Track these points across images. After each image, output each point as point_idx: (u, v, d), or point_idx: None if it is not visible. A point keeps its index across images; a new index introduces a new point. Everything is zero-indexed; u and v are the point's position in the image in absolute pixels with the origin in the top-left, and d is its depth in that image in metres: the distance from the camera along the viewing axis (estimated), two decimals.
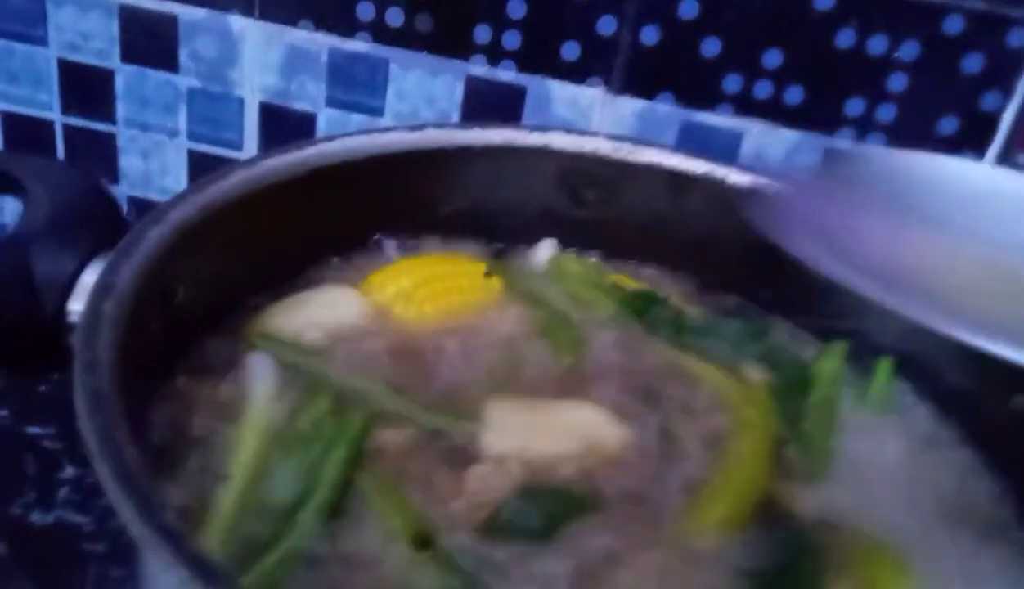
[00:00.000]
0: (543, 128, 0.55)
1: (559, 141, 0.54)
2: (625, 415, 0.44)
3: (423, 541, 0.35)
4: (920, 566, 0.37)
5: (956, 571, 0.37)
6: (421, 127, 0.52)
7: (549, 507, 0.38)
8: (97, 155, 0.85)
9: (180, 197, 0.40)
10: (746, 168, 0.54)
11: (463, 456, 0.40)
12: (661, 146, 0.55)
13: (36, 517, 0.58)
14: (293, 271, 0.50)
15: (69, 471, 0.60)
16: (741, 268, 0.55)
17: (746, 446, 0.42)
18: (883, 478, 0.43)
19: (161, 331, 0.39)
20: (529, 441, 0.40)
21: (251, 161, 0.44)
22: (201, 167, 0.83)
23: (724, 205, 0.54)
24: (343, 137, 0.49)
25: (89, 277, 0.37)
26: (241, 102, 0.81)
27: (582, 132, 0.55)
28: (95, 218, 0.39)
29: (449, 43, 0.76)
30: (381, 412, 0.41)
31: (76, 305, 0.37)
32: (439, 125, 0.52)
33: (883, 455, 0.44)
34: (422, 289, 0.50)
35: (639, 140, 0.55)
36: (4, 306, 0.35)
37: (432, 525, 0.36)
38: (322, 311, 0.47)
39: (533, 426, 0.41)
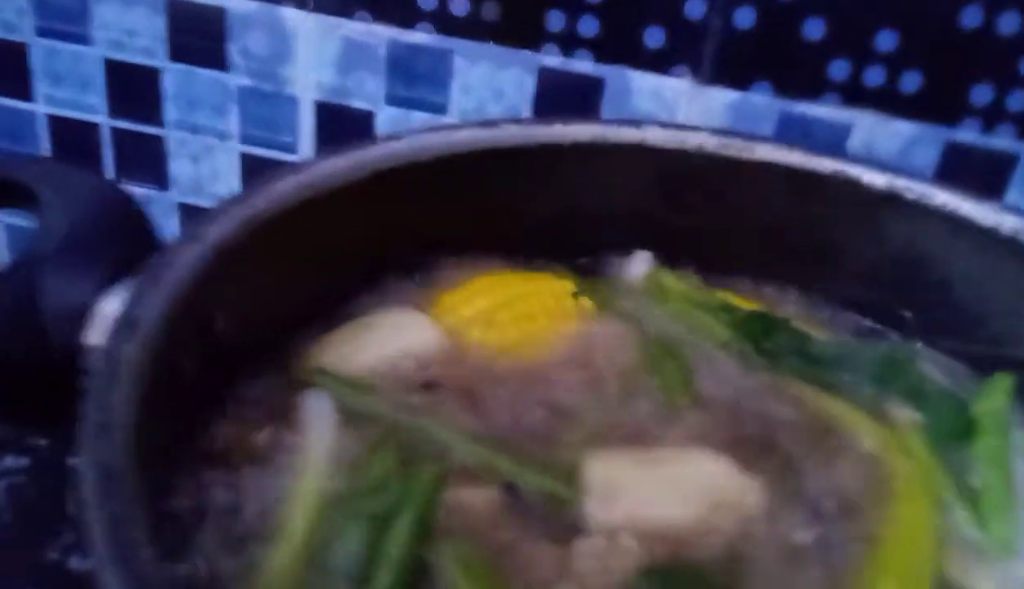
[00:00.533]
0: (637, 122, 0.47)
1: (657, 136, 0.47)
2: (748, 468, 0.36)
3: None
4: None
5: None
6: (496, 123, 0.44)
7: None
8: (146, 160, 0.80)
9: (220, 210, 0.34)
10: (885, 167, 0.45)
11: (566, 525, 0.32)
12: (778, 142, 0.46)
13: (75, 563, 0.52)
14: (350, 293, 0.43)
15: None
16: (877, 285, 0.47)
17: (907, 511, 0.34)
18: None
19: (196, 372, 0.32)
20: (643, 505, 0.32)
21: (302, 165, 0.38)
22: (254, 171, 0.78)
23: (856, 210, 0.46)
24: (409, 135, 0.42)
25: (109, 306, 0.30)
26: (295, 101, 0.75)
27: (683, 126, 0.47)
28: (119, 235, 0.32)
29: (518, 32, 0.69)
30: (461, 468, 0.34)
31: (92, 339, 0.30)
32: (517, 121, 0.45)
33: None
34: (503, 311, 0.43)
35: (751, 135, 0.47)
36: (5, 341, 0.29)
37: None
38: (388, 339, 0.40)
39: (645, 484, 0.34)
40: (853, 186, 0.45)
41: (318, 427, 0.35)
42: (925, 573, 0.32)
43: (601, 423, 0.38)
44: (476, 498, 0.33)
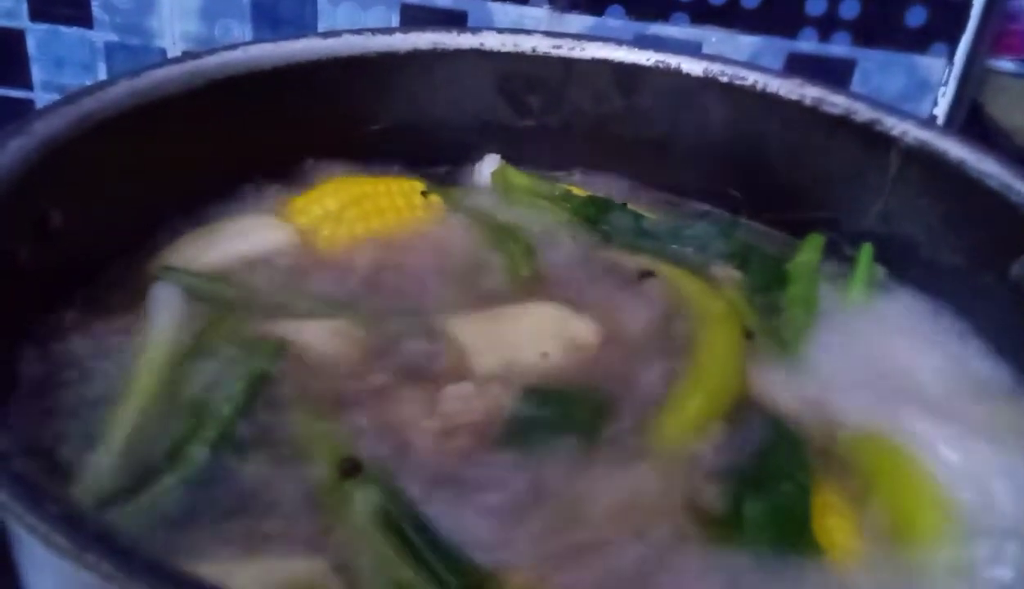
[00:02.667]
0: (473, 29, 0.49)
1: (493, 41, 0.49)
2: (590, 316, 0.39)
3: (352, 466, 0.30)
4: (917, 450, 0.33)
5: (955, 448, 0.33)
6: (336, 34, 0.46)
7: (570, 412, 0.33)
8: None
9: (50, 108, 0.35)
10: (701, 56, 0.49)
11: (423, 373, 0.35)
12: (606, 39, 0.49)
13: None
14: (203, 199, 0.44)
15: None
16: (703, 167, 0.50)
17: (716, 339, 0.37)
18: (867, 367, 0.38)
19: (36, 259, 0.34)
20: (511, 353, 0.36)
21: (138, 71, 0.39)
22: None
23: (680, 98, 0.49)
24: (246, 45, 0.44)
25: None
26: (164, 53, 0.75)
27: (518, 30, 0.50)
28: None
29: None
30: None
31: None
32: (357, 32, 0.47)
33: (866, 344, 0.40)
34: (352, 209, 0.45)
35: (581, 35, 0.50)
36: None
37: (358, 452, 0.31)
38: (238, 240, 0.42)
39: (506, 337, 0.37)
40: (674, 75, 0.48)
41: (164, 307, 0.37)
42: (730, 387, 0.36)
43: (453, 296, 0.41)
44: (341, 347, 0.35)
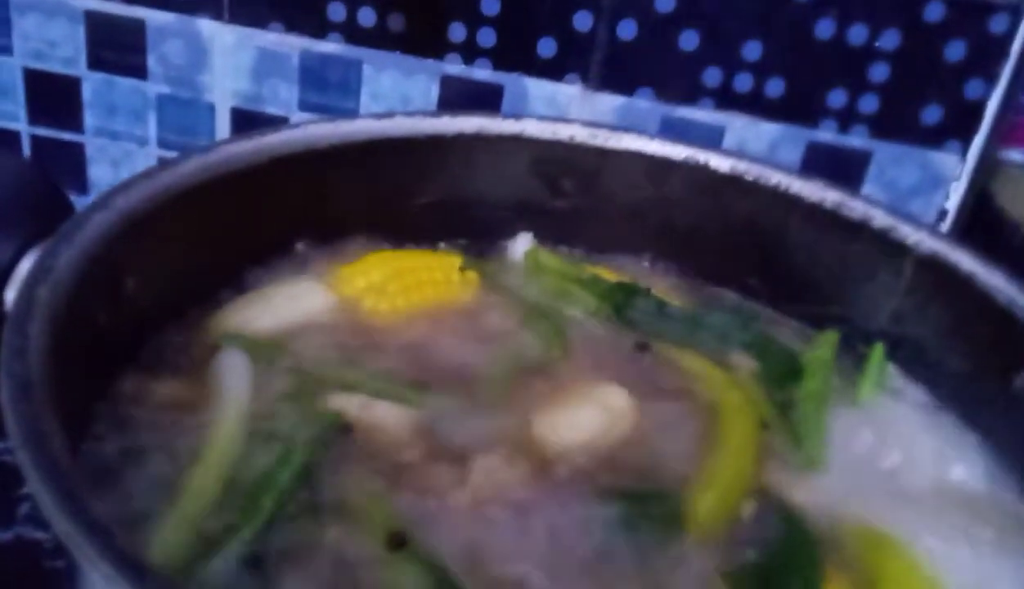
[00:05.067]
0: (516, 115, 0.53)
1: (533, 128, 0.52)
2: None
3: (399, 540, 0.32)
4: (922, 552, 0.35)
5: (960, 556, 0.35)
6: (388, 115, 0.50)
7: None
8: (66, 165, 0.83)
9: (128, 183, 0.38)
10: (729, 152, 0.52)
11: (454, 448, 0.37)
12: (640, 132, 0.53)
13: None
14: (257, 264, 0.47)
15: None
16: (726, 257, 0.53)
17: (732, 431, 0.40)
18: (877, 465, 0.40)
19: (111, 324, 0.36)
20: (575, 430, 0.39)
21: (208, 147, 0.42)
22: None
23: (707, 191, 0.52)
24: (307, 124, 0.47)
25: (27, 265, 0.35)
26: (212, 108, 0.79)
27: (557, 119, 0.53)
28: (37, 204, 0.36)
29: (423, 42, 0.74)
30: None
31: (11, 295, 0.34)
32: (408, 114, 0.50)
33: (876, 442, 0.42)
34: (394, 282, 0.48)
35: (617, 127, 0.53)
36: None
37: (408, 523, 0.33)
38: (287, 306, 0.45)
39: (552, 415, 0.40)
40: (702, 170, 0.51)
41: (233, 374, 0.39)
42: (744, 483, 0.38)
43: (491, 372, 0.43)
44: (387, 424, 0.38)
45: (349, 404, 0.38)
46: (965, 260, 0.44)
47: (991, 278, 0.42)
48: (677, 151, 0.52)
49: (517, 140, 0.52)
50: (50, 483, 0.24)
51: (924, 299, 0.46)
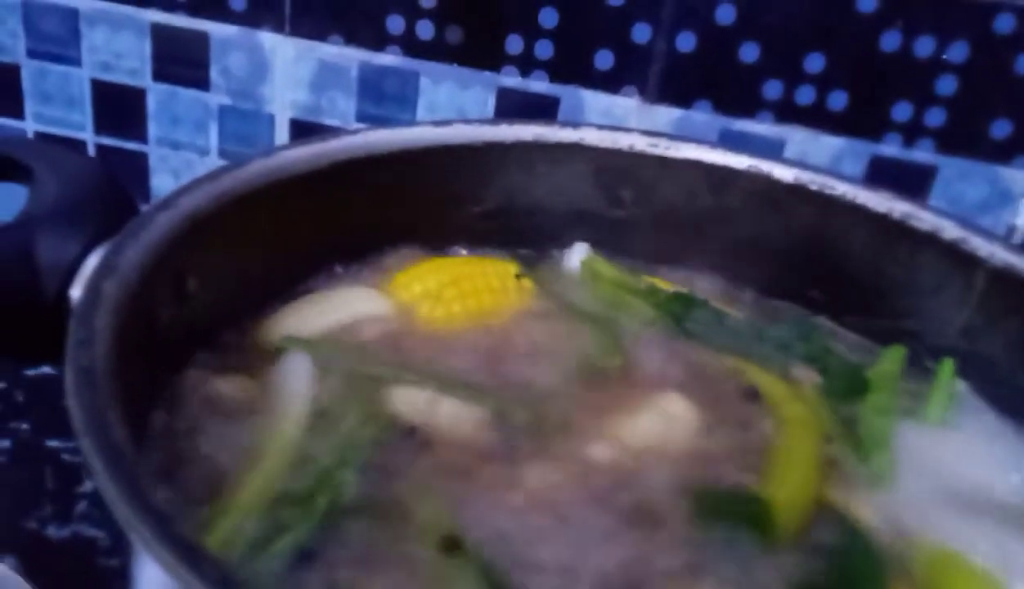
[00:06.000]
0: (575, 124, 0.52)
1: (593, 137, 0.52)
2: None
3: (452, 543, 0.32)
4: (991, 571, 0.34)
5: None
6: (447, 123, 0.50)
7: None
8: (129, 175, 0.85)
9: (193, 184, 0.39)
10: (791, 162, 0.51)
11: (512, 453, 0.37)
12: (700, 141, 0.52)
13: (52, 531, 0.56)
14: (314, 269, 0.48)
15: (87, 486, 0.58)
16: (788, 269, 0.52)
17: (796, 443, 0.38)
18: (945, 483, 0.39)
19: (172, 322, 0.37)
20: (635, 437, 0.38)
21: (270, 151, 0.43)
22: None
23: (769, 201, 0.51)
24: (367, 130, 0.47)
25: (94, 262, 0.35)
26: (271, 119, 0.80)
27: (617, 128, 0.53)
28: (104, 204, 0.37)
29: (480, 54, 0.75)
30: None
31: (79, 291, 0.35)
32: (467, 121, 0.50)
33: (944, 460, 0.41)
34: (450, 289, 0.47)
35: (677, 136, 0.53)
36: (4, 290, 0.33)
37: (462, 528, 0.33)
38: (344, 310, 0.45)
39: (615, 421, 0.39)
40: (764, 179, 0.50)
41: (296, 375, 0.39)
42: (809, 494, 0.37)
43: (551, 379, 0.43)
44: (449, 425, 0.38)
45: (412, 402, 0.38)
46: None
47: None
48: (739, 160, 0.51)
49: (575, 148, 0.52)
50: (112, 468, 0.24)
51: (995, 313, 0.44)
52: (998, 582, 0.33)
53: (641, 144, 0.52)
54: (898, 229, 0.47)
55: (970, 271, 0.45)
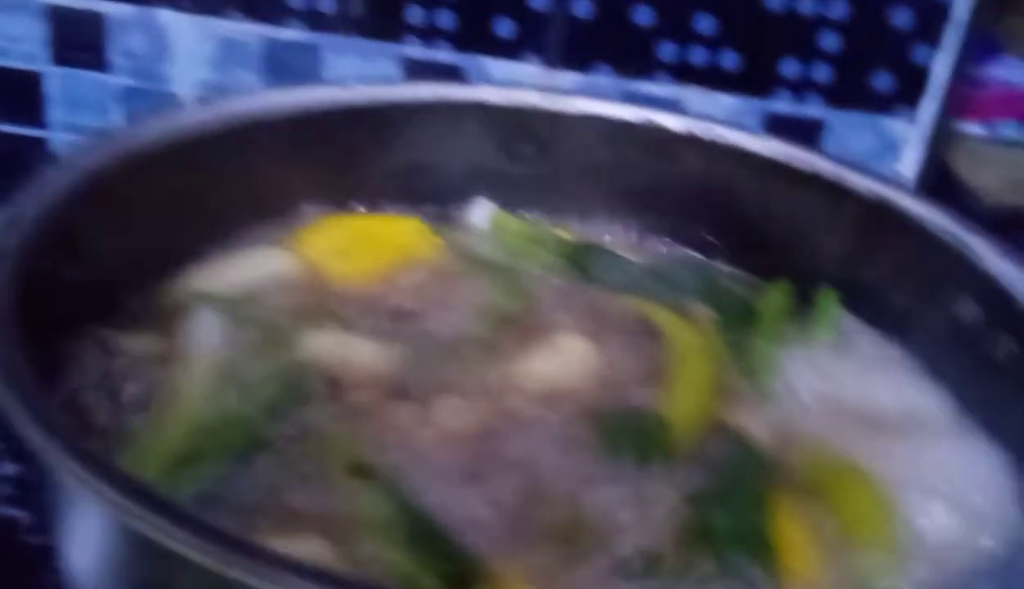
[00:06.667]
0: (474, 84, 0.54)
1: (491, 95, 0.53)
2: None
3: (363, 469, 0.33)
4: (872, 467, 0.37)
5: (908, 477, 0.36)
6: (347, 85, 0.51)
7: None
8: (31, 161, 0.82)
9: (91, 144, 0.39)
10: (684, 115, 0.53)
11: (419, 392, 0.38)
12: (595, 95, 0.54)
13: None
14: (223, 230, 0.48)
15: (8, 468, 0.58)
16: (683, 214, 0.54)
17: (691, 368, 0.41)
18: (828, 398, 0.42)
19: (76, 280, 0.37)
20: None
21: (169, 112, 0.43)
22: None
23: (662, 151, 0.54)
24: (266, 92, 0.48)
25: None
26: (175, 98, 0.79)
27: (514, 86, 0.55)
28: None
29: (382, 26, 0.75)
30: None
31: None
32: (368, 82, 0.51)
33: (827, 378, 0.44)
34: (357, 244, 0.49)
35: (572, 91, 0.54)
36: None
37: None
38: (253, 267, 0.46)
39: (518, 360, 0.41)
40: (657, 130, 0.53)
41: (206, 327, 0.40)
42: (703, 413, 0.39)
43: (458, 326, 0.45)
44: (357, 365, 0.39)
45: (322, 348, 0.39)
46: (908, 202, 0.45)
47: (934, 217, 0.44)
48: (632, 113, 0.53)
49: (475, 107, 0.53)
50: (26, 404, 0.24)
51: (872, 243, 0.48)
52: (873, 480, 0.36)
53: (538, 101, 0.54)
54: (782, 171, 0.50)
55: (847, 206, 0.48)
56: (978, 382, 0.41)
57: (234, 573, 0.23)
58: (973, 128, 0.94)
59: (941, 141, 0.79)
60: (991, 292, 0.40)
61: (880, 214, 0.47)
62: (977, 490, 0.34)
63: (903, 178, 0.77)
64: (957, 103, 0.81)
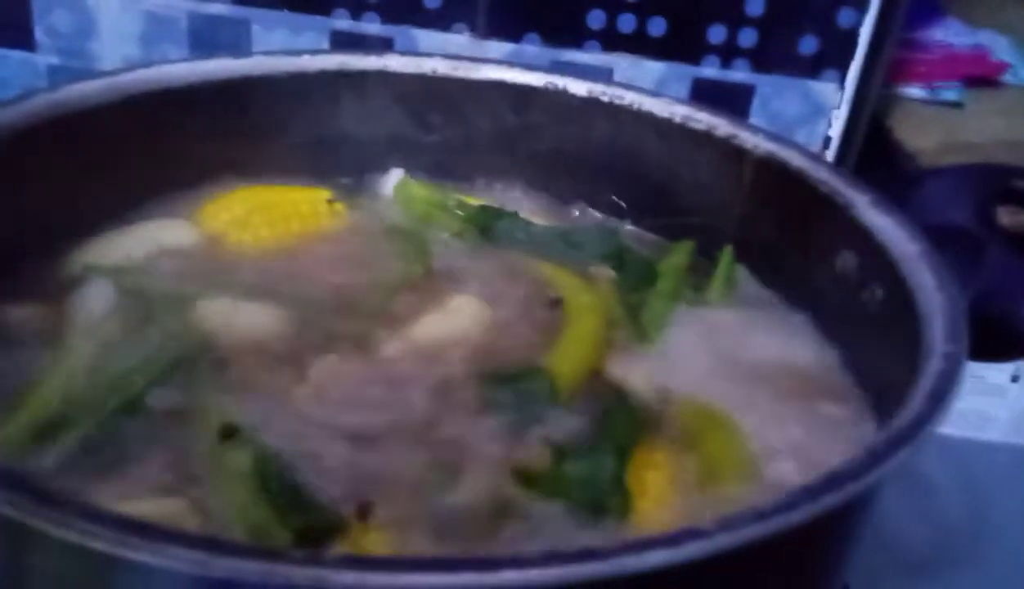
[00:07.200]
0: (378, 51, 0.54)
1: (396, 64, 0.54)
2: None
3: (229, 431, 0.34)
4: (743, 421, 0.37)
5: (778, 427, 0.37)
6: (246, 55, 0.51)
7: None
8: None
9: None
10: (585, 78, 0.53)
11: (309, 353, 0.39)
12: (499, 61, 0.54)
13: None
14: (125, 203, 0.48)
15: None
16: (590, 177, 0.55)
17: (578, 325, 0.42)
18: (717, 356, 0.43)
19: None
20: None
21: (56, 86, 0.43)
22: None
23: (567, 115, 0.54)
24: (161, 64, 0.48)
25: None
26: None
27: (420, 54, 0.55)
28: None
29: None
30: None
31: None
32: (268, 53, 0.51)
33: (721, 335, 0.44)
34: (258, 215, 0.49)
35: (476, 58, 0.55)
36: None
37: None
38: (149, 239, 0.46)
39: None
40: (561, 94, 0.53)
41: (94, 297, 0.41)
42: (584, 365, 0.40)
43: (355, 288, 0.45)
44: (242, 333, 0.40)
45: (212, 312, 0.40)
46: (795, 157, 0.46)
47: (817, 171, 0.45)
48: (536, 78, 0.54)
49: (380, 76, 0.54)
50: None
51: (764, 200, 0.48)
52: (738, 426, 0.37)
53: (443, 68, 0.54)
54: (680, 131, 0.51)
55: (741, 163, 0.49)
56: (856, 334, 0.42)
57: (73, 536, 0.23)
58: (914, 91, 0.94)
59: (877, 105, 0.79)
60: (867, 244, 0.41)
61: (770, 171, 0.47)
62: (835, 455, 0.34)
63: (831, 140, 0.78)
64: (896, 67, 0.82)
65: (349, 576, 0.21)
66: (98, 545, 0.22)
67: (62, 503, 0.23)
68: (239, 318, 0.40)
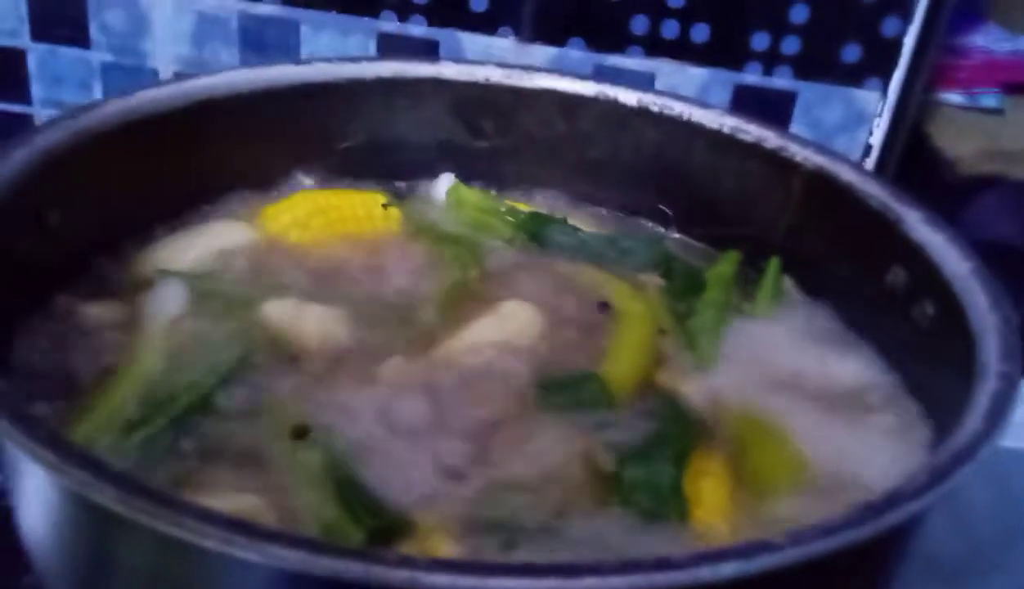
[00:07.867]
0: (433, 59, 0.55)
1: (450, 71, 0.55)
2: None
3: (301, 431, 0.35)
4: (793, 432, 0.38)
5: (828, 443, 0.38)
6: (307, 62, 0.52)
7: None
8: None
9: (50, 122, 0.40)
10: (636, 89, 0.54)
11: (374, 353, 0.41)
12: (551, 70, 0.55)
13: None
14: (190, 204, 0.50)
15: None
16: (638, 186, 0.56)
17: (630, 333, 0.43)
18: (766, 369, 0.43)
19: (35, 251, 0.39)
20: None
21: (128, 91, 0.45)
22: None
23: (617, 124, 0.55)
24: (228, 71, 0.49)
25: None
26: (155, 73, 0.80)
27: (473, 61, 0.56)
28: None
29: (358, 1, 0.76)
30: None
31: None
32: (327, 59, 0.53)
33: (768, 348, 0.45)
34: (317, 217, 0.50)
35: (529, 66, 0.56)
36: None
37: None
38: (213, 242, 0.48)
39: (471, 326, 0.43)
40: (612, 104, 0.54)
41: (163, 300, 0.42)
42: (637, 373, 0.41)
43: (412, 293, 0.46)
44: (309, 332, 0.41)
45: (280, 313, 0.41)
46: (845, 171, 0.47)
47: (866, 185, 0.45)
48: (587, 87, 0.55)
49: (434, 83, 0.55)
50: None
51: (813, 212, 0.49)
52: (788, 436, 0.38)
53: (496, 76, 0.55)
54: (728, 142, 0.52)
55: (790, 176, 0.49)
56: (906, 350, 0.43)
57: (160, 526, 0.25)
58: (953, 97, 0.94)
59: (917, 112, 0.79)
60: (918, 261, 0.41)
61: (819, 185, 0.48)
62: (881, 476, 0.35)
63: (871, 148, 0.78)
64: (937, 73, 0.82)
65: (442, 578, 0.23)
66: (208, 543, 0.23)
67: (173, 502, 0.24)
68: (305, 319, 0.42)
